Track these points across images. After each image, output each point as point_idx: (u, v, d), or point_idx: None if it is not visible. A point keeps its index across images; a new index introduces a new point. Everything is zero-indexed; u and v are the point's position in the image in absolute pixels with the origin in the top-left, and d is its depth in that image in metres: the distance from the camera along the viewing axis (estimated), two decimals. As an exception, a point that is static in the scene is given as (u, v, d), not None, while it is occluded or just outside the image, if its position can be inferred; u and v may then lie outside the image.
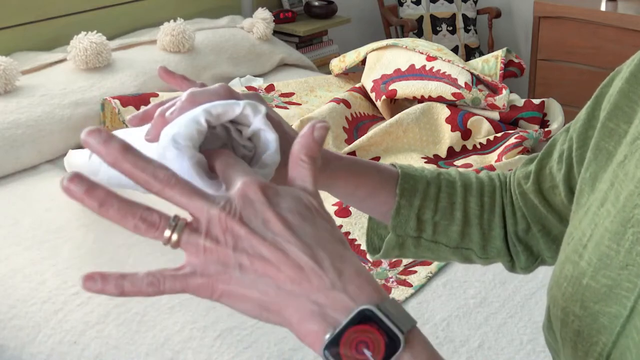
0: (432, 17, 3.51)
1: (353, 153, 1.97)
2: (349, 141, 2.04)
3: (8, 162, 1.87)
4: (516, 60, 2.35)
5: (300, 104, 2.29)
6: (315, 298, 0.44)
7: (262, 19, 2.70)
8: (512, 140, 1.95)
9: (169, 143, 0.52)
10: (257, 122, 0.53)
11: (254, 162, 0.54)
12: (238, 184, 0.46)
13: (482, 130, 2.05)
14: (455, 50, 3.47)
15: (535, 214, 0.71)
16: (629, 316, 0.49)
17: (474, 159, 1.96)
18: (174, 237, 0.45)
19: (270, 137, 0.53)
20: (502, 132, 2.04)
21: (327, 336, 0.43)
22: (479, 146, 2.04)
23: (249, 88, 2.34)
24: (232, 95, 0.57)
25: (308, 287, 0.44)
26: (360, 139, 2.00)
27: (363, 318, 0.43)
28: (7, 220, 1.63)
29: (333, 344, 0.43)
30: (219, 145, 0.56)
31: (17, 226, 1.61)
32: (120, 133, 0.71)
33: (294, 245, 0.44)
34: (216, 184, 0.51)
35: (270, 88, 2.38)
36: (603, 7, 3.10)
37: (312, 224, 0.46)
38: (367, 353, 0.42)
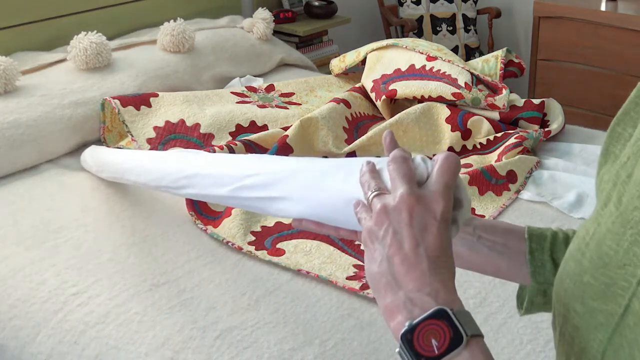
0: (432, 17, 3.51)
1: (353, 153, 1.98)
2: (349, 141, 2.03)
3: (8, 162, 1.87)
4: (516, 60, 2.35)
5: (300, 104, 2.29)
6: (411, 296, 0.55)
7: (262, 19, 2.70)
8: (512, 140, 1.95)
9: None
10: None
11: None
12: (436, 186, 0.60)
13: (482, 130, 2.05)
14: (455, 50, 3.47)
15: None
16: (622, 314, 0.50)
17: (474, 159, 1.96)
18: (370, 195, 0.62)
19: (463, 196, 0.66)
20: (502, 132, 2.04)
21: (407, 324, 0.54)
22: (479, 146, 2.04)
23: (249, 88, 2.34)
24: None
25: (411, 286, 0.56)
26: (360, 139, 2.00)
27: (438, 315, 0.53)
28: (7, 220, 1.63)
29: (409, 331, 0.54)
30: None
31: (17, 226, 1.61)
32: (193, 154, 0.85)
33: (427, 259, 0.57)
34: None
35: (270, 88, 2.38)
36: (603, 7, 3.10)
37: (449, 252, 0.58)
38: (434, 342, 0.53)
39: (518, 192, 1.80)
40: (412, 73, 2.24)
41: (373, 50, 2.43)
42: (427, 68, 2.23)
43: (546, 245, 0.75)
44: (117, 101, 2.05)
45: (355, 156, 1.97)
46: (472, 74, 2.18)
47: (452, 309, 0.53)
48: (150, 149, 1.95)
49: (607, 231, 0.53)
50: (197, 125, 2.02)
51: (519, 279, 0.77)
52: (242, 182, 0.84)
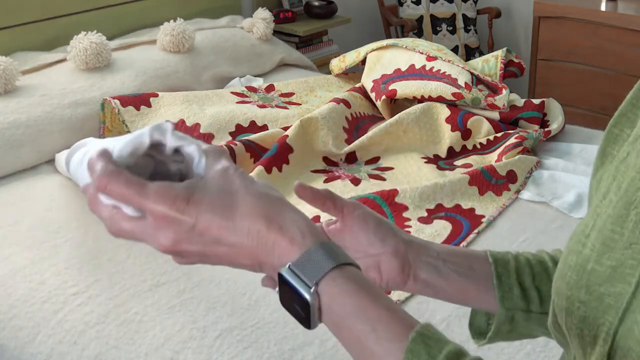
0: (432, 17, 3.51)
1: (353, 153, 1.98)
2: (348, 141, 2.04)
3: (8, 162, 1.87)
4: (516, 60, 2.35)
5: (300, 104, 2.29)
6: (259, 261, 0.53)
7: (262, 19, 2.70)
8: (512, 140, 1.95)
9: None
10: (170, 141, 0.57)
11: (190, 174, 0.58)
12: (151, 207, 0.56)
13: (482, 130, 2.05)
14: (455, 50, 3.47)
15: None
16: (634, 292, 0.49)
17: (474, 159, 1.96)
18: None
19: (189, 149, 0.57)
20: (502, 132, 2.04)
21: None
22: (479, 146, 2.04)
23: (249, 88, 2.34)
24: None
25: (257, 259, 0.53)
26: (360, 139, 2.00)
27: (281, 282, 0.51)
28: (7, 220, 1.63)
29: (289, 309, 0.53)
30: (152, 168, 0.59)
31: (17, 226, 1.61)
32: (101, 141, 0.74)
33: (225, 244, 0.53)
34: None
35: (270, 88, 2.38)
36: (603, 7, 3.10)
37: (239, 204, 0.53)
38: (297, 308, 0.51)
39: (518, 192, 1.80)
40: (412, 73, 2.24)
41: (373, 50, 2.44)
42: (427, 68, 2.23)
43: (511, 269, 0.72)
44: (117, 101, 2.05)
45: (356, 156, 1.98)
46: (472, 74, 2.18)
47: (289, 265, 0.51)
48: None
49: (608, 217, 0.53)
50: (197, 125, 2.02)
51: (486, 304, 0.74)
52: None
